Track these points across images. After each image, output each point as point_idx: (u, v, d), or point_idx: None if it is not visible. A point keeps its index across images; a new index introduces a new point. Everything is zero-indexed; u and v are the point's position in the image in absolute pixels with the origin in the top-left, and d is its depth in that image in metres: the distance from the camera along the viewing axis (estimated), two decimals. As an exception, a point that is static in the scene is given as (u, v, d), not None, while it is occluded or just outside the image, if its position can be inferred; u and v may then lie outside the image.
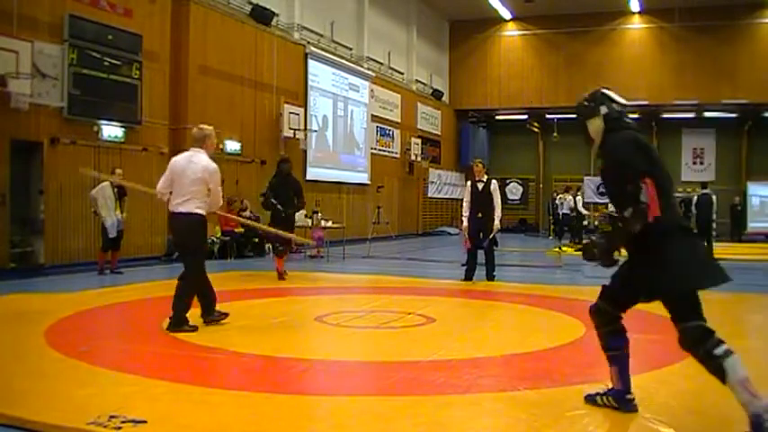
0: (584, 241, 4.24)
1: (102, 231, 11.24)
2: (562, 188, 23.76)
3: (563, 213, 19.42)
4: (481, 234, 10.39)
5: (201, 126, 6.79)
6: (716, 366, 3.66)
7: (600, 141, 4.07)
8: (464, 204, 10.73)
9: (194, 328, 6.26)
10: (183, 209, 6.26)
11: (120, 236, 11.34)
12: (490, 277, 10.61)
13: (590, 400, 4.13)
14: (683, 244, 3.82)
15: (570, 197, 20.97)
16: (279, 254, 10.97)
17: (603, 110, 4.04)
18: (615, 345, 4.16)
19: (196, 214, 6.27)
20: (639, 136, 3.99)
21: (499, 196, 10.55)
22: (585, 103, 4.11)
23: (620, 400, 4.02)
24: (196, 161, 6.33)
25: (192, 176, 6.25)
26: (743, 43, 27.38)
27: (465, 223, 10.61)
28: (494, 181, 10.63)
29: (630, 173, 3.66)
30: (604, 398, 4.08)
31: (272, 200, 10.71)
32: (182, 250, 6.62)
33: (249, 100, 16.86)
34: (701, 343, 3.78)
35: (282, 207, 10.63)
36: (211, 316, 6.46)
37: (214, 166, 6.39)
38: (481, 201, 10.38)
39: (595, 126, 4.06)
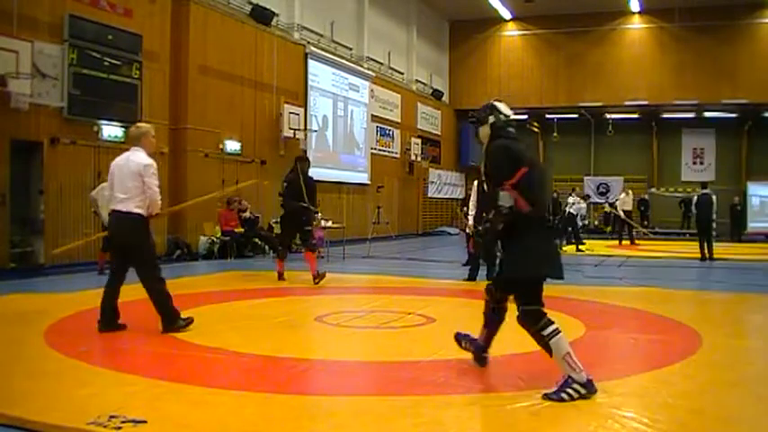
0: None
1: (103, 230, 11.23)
2: (570, 189, 23.70)
3: (569, 213, 19.46)
4: None
5: (138, 124, 6.79)
6: (544, 344, 4.38)
7: (485, 146, 4.69)
8: (470, 204, 10.72)
9: (189, 321, 6.24)
10: (121, 207, 6.19)
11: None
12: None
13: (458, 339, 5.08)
14: (536, 238, 4.45)
15: (584, 205, 21.00)
16: (281, 256, 10.70)
17: (491, 119, 4.67)
18: (493, 317, 4.90)
19: (134, 213, 6.17)
20: (514, 144, 4.58)
21: None
22: (481, 112, 4.74)
23: (477, 352, 4.96)
24: (133, 159, 6.27)
25: (128, 174, 6.19)
26: (743, 43, 27.37)
27: (470, 222, 10.61)
28: None
29: (497, 179, 4.37)
30: (467, 342, 5.05)
31: (302, 202, 10.23)
32: (122, 252, 6.47)
33: (249, 100, 16.86)
34: (535, 324, 4.41)
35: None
36: (175, 324, 6.28)
37: (149, 160, 6.29)
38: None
39: (484, 132, 4.70)
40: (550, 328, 4.35)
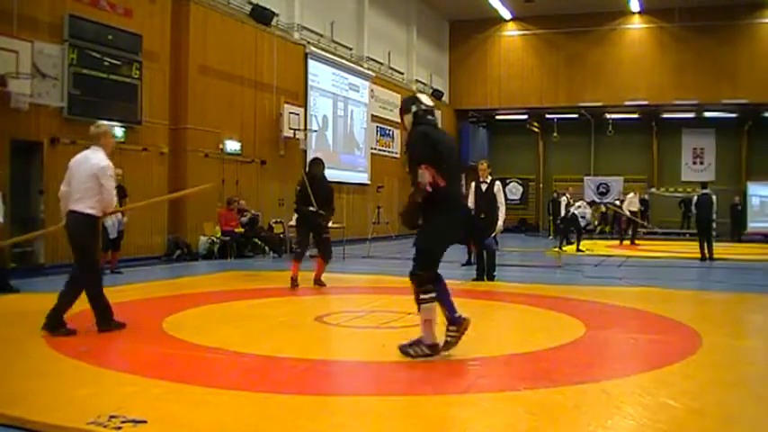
0: None
1: (103, 231, 11.23)
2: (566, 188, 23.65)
3: (572, 213, 19.43)
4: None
5: (98, 123, 6.77)
6: (418, 303, 5.16)
7: (408, 132, 5.36)
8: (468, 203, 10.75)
9: (72, 332, 6.05)
10: (75, 207, 6.18)
11: (120, 236, 11.35)
12: (490, 277, 10.63)
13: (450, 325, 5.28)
14: (442, 215, 5.10)
15: (589, 211, 20.85)
16: (298, 258, 9.92)
17: (414, 108, 5.33)
18: (434, 287, 5.21)
19: (86, 214, 6.16)
20: (433, 131, 5.25)
21: (503, 197, 10.55)
22: (405, 103, 5.47)
23: (453, 319, 5.25)
24: (90, 158, 6.25)
25: (84, 174, 6.17)
26: (743, 43, 27.38)
27: None
28: (497, 182, 10.64)
29: (416, 159, 5.02)
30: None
31: (310, 207, 9.69)
32: (74, 250, 6.48)
33: (249, 100, 16.86)
34: (420, 285, 5.13)
35: (323, 212, 9.80)
36: (109, 325, 6.22)
37: (106, 162, 6.27)
38: (484, 201, 10.39)
39: (408, 120, 5.36)
40: (429, 296, 5.12)
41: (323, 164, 10.32)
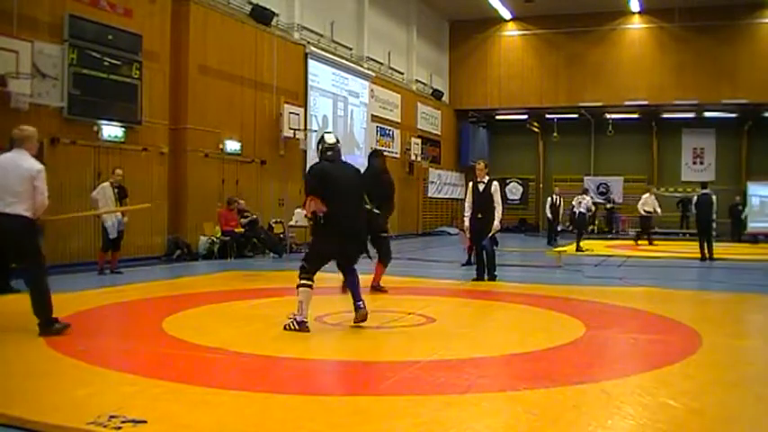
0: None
1: (103, 232, 11.24)
2: (580, 189, 23.41)
3: (579, 212, 19.44)
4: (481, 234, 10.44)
5: (22, 127, 6.69)
6: (297, 288, 6.39)
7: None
8: (465, 204, 10.75)
9: (66, 326, 6.12)
10: (9, 210, 6.09)
11: (120, 236, 11.34)
12: (491, 277, 10.63)
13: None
14: (323, 235, 6.51)
15: (588, 198, 20.79)
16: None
17: (319, 146, 6.73)
18: (310, 279, 6.41)
19: (23, 216, 6.11)
20: (326, 167, 6.53)
21: (500, 197, 10.55)
22: (316, 143, 7.00)
23: (355, 307, 6.61)
24: (21, 162, 6.21)
25: (18, 178, 6.12)
26: (743, 43, 27.38)
27: (466, 223, 10.63)
28: (495, 182, 10.62)
29: (307, 191, 6.48)
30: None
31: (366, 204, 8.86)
32: (15, 254, 6.47)
33: (249, 100, 16.86)
34: (301, 274, 6.40)
35: (379, 209, 9.43)
36: (52, 327, 6.14)
37: (40, 165, 6.28)
38: (482, 201, 10.39)
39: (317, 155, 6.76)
40: (306, 282, 6.35)
41: (382, 156, 9.92)
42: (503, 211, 10.60)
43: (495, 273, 10.70)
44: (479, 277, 10.64)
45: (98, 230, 11.53)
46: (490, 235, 10.42)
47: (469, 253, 13.72)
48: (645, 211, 20.50)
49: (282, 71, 17.97)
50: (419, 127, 27.49)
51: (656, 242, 20.83)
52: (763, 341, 6.80)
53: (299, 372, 4.98)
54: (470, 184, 10.75)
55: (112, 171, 11.60)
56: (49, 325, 6.07)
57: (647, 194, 21.14)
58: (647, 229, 21.06)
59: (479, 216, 10.35)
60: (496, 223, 10.37)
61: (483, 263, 10.65)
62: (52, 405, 4.00)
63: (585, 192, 21.74)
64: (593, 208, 20.79)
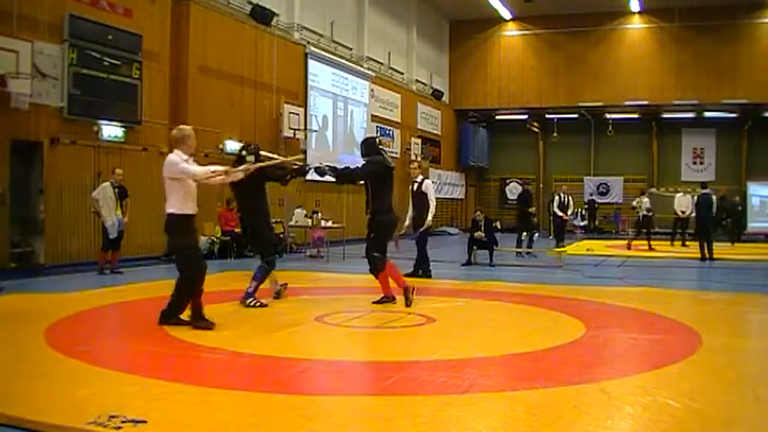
0: None
1: (103, 231, 11.24)
2: (638, 191, 22.98)
3: (642, 215, 19.34)
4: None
5: (180, 127, 7.04)
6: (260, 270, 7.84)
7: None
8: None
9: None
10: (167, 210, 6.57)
11: (120, 236, 11.34)
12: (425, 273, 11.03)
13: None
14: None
15: (646, 198, 20.44)
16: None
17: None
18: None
19: (170, 214, 6.58)
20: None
21: (433, 194, 10.97)
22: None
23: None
24: (165, 164, 6.58)
25: (165, 178, 6.53)
26: (743, 43, 27.38)
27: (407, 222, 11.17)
28: (427, 180, 11.10)
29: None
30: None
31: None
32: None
33: (249, 100, 16.86)
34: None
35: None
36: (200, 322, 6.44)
37: (171, 157, 6.57)
38: (416, 199, 10.91)
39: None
40: (267, 267, 7.88)
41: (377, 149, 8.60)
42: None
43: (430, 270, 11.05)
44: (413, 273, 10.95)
45: (98, 230, 11.53)
46: (422, 229, 10.82)
47: (470, 253, 13.77)
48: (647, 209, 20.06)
49: (282, 71, 17.97)
50: (419, 127, 27.48)
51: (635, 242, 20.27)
52: (762, 341, 6.80)
53: (299, 372, 4.98)
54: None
55: (112, 171, 11.61)
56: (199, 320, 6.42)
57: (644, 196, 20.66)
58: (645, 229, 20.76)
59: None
60: (429, 218, 10.81)
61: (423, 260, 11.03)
62: (52, 405, 4.00)
63: (643, 193, 21.40)
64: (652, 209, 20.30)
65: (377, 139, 8.69)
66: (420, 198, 10.81)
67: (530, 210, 17.32)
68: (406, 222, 11.04)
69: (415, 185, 10.92)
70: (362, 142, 8.43)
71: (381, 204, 8.28)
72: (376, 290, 10.03)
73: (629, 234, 21.71)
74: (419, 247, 11.02)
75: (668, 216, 21.78)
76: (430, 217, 10.76)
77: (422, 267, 10.94)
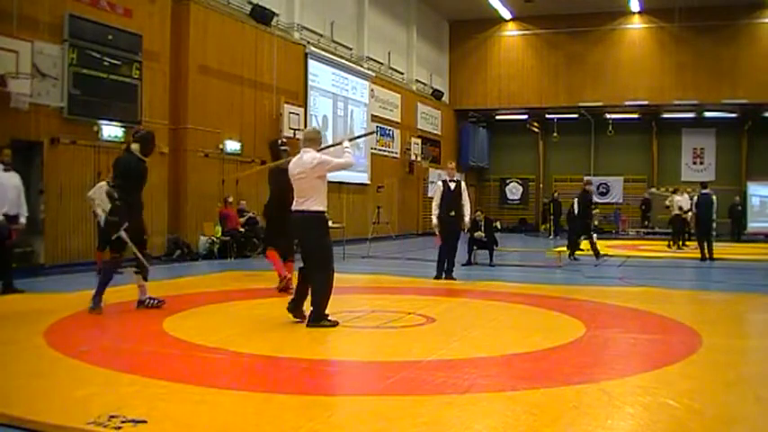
0: None
1: (99, 231, 11.23)
2: (671, 190, 22.60)
3: (675, 214, 19.19)
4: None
5: (306, 129, 7.20)
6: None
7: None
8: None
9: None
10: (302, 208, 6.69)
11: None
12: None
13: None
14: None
15: (679, 197, 20.12)
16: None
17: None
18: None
19: (310, 211, 6.73)
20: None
21: (467, 195, 10.85)
22: None
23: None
24: (304, 159, 6.73)
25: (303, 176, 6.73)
26: (743, 43, 27.39)
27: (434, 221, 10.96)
28: (462, 182, 10.99)
29: None
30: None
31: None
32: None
33: (249, 100, 16.86)
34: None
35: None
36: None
37: (315, 155, 6.68)
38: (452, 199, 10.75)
39: None
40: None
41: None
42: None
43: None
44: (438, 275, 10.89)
45: (98, 230, 11.51)
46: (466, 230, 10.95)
47: (470, 253, 13.77)
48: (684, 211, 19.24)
49: (282, 71, 17.97)
50: (419, 127, 27.49)
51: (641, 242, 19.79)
52: (763, 341, 6.80)
53: (299, 372, 4.98)
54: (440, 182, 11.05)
55: (108, 170, 11.57)
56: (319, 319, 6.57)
57: (678, 195, 20.05)
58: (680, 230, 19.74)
59: (451, 214, 10.66)
60: (467, 219, 10.80)
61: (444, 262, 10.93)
62: (52, 405, 4.00)
63: (676, 191, 21.14)
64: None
65: (278, 141, 8.90)
66: (456, 198, 10.68)
67: (593, 212, 16.27)
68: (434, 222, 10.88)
69: (452, 185, 10.73)
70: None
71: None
72: (376, 290, 10.05)
73: (629, 234, 21.26)
74: (455, 247, 10.96)
75: (667, 218, 21.69)
76: (467, 218, 10.82)
77: (449, 268, 10.91)
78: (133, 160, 7.38)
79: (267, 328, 6.67)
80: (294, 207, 6.66)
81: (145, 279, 7.65)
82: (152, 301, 7.59)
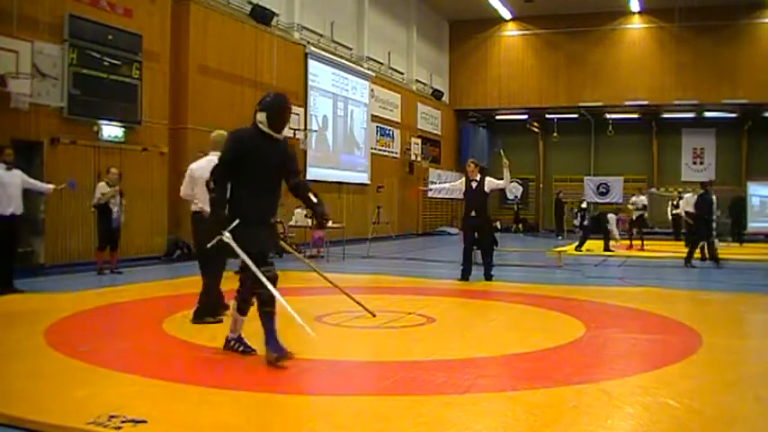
0: None
1: (98, 231, 11.24)
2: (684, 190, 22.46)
3: (686, 211, 18.98)
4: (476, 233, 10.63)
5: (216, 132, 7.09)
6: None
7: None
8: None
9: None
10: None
11: (117, 235, 11.32)
12: (488, 277, 10.70)
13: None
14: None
15: (643, 197, 20.07)
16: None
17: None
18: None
19: (194, 212, 6.79)
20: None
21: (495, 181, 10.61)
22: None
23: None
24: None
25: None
26: (743, 43, 27.38)
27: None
28: (487, 177, 10.69)
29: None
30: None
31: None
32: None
33: (249, 100, 16.82)
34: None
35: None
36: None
37: (193, 165, 6.81)
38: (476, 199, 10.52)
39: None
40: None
41: None
42: (502, 209, 10.80)
43: (492, 273, 10.77)
44: (464, 278, 10.67)
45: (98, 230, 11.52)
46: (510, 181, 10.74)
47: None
48: (686, 212, 19.11)
49: (282, 71, 17.97)
50: (419, 127, 27.49)
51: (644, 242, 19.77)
52: (763, 341, 6.80)
53: (299, 372, 4.98)
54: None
55: (107, 170, 11.56)
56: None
57: (690, 194, 19.18)
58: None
59: (473, 214, 10.48)
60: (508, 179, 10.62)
61: (470, 264, 10.71)
62: (52, 405, 4.00)
63: (640, 192, 21.11)
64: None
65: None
66: (481, 197, 10.49)
67: (714, 216, 15.22)
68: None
69: (474, 184, 10.48)
70: None
71: None
72: (376, 290, 10.04)
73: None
74: (486, 250, 10.88)
75: (667, 218, 21.67)
76: (506, 179, 10.59)
77: (488, 270, 10.79)
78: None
79: (267, 328, 6.66)
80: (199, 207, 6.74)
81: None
82: (239, 346, 5.47)
